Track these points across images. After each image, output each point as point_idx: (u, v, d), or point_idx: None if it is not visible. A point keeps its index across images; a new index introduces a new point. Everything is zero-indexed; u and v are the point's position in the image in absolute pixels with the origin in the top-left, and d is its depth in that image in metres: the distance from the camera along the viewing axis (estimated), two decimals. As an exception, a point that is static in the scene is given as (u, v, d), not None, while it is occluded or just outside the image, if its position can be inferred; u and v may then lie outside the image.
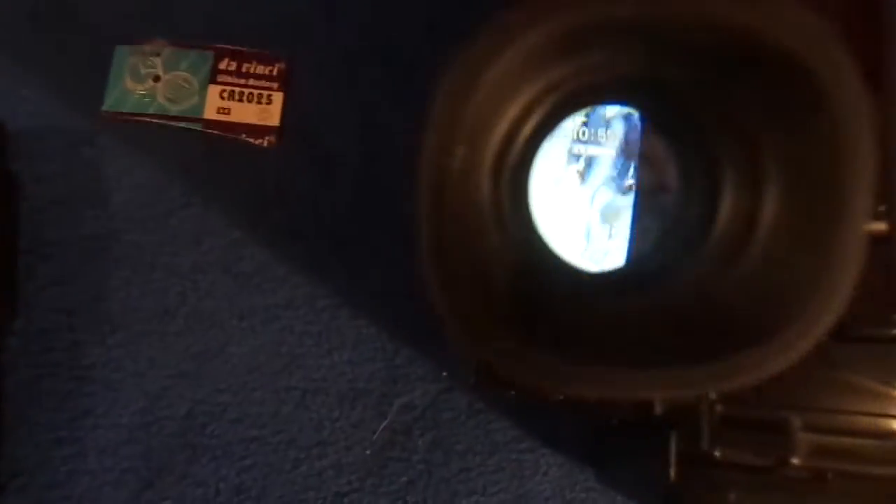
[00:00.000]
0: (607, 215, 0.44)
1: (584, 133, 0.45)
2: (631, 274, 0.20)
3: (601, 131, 0.45)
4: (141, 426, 0.47)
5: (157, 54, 0.52)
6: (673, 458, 0.29)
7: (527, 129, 0.19)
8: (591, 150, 0.45)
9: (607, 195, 0.45)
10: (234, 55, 0.52)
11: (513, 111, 0.18)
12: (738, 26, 0.16)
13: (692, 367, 0.17)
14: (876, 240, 0.31)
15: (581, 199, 0.46)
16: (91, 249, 0.49)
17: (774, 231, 0.18)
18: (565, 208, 0.45)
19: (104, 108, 0.51)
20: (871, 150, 0.16)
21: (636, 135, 0.43)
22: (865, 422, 0.30)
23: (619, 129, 0.45)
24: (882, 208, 0.31)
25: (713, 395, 0.30)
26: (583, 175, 0.46)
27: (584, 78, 0.19)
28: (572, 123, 0.44)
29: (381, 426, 0.47)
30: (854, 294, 0.30)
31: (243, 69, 0.53)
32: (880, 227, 0.30)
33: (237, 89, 0.52)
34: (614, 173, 0.45)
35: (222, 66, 0.52)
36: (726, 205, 0.19)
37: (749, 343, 0.17)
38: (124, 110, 0.51)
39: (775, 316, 0.17)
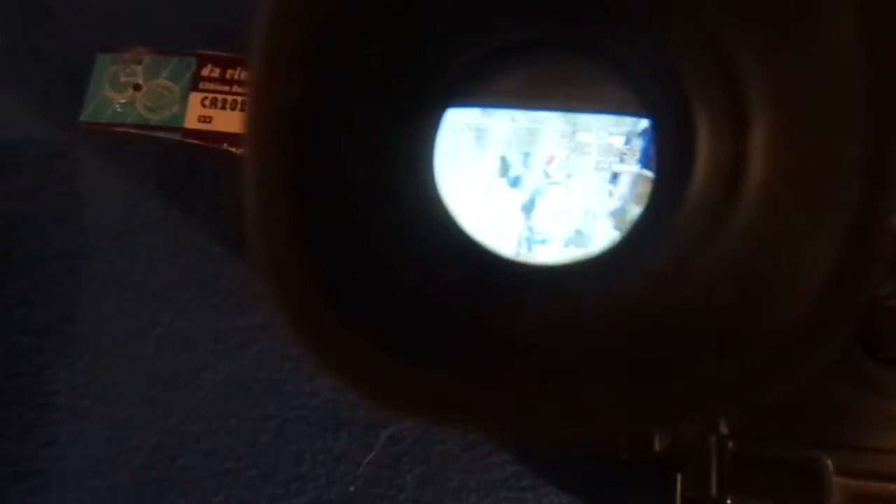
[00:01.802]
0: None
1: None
2: (583, 267, 0.15)
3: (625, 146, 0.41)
4: (107, 458, 0.43)
5: (138, 62, 0.50)
6: (677, 507, 0.24)
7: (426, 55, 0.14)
8: (615, 166, 0.42)
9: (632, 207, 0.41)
10: (217, 61, 0.50)
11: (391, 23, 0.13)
12: None
13: (651, 391, 0.12)
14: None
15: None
16: (62, 267, 0.46)
17: (763, 193, 0.13)
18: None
19: (82, 118, 0.49)
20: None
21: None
22: (916, 464, 0.24)
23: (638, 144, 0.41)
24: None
25: (724, 429, 0.24)
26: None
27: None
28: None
29: (367, 459, 0.43)
30: (892, 305, 0.24)
31: (227, 75, 0.50)
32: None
33: (220, 97, 0.49)
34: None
35: (205, 72, 0.50)
36: (701, 157, 0.14)
37: (731, 352, 0.12)
38: (103, 120, 0.49)
39: (766, 312, 0.12)
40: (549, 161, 0.42)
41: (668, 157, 0.15)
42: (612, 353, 0.13)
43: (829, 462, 0.24)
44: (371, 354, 0.12)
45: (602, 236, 0.40)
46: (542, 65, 0.25)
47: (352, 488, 0.43)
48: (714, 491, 0.24)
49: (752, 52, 0.13)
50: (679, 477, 0.26)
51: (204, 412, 0.44)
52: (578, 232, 0.42)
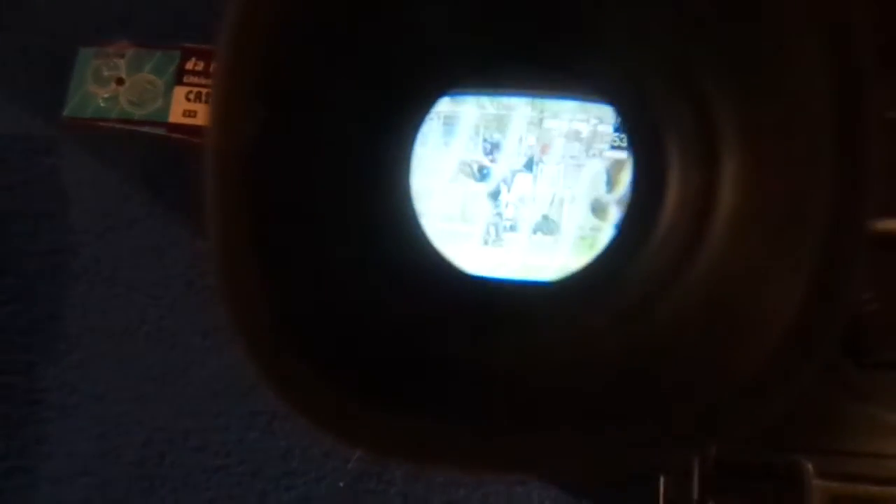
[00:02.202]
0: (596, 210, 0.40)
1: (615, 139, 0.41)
2: (555, 296, 0.15)
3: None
4: (97, 455, 0.43)
5: (121, 56, 0.49)
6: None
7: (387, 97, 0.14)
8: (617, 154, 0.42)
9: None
10: (201, 54, 0.49)
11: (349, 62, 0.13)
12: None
13: (620, 434, 0.12)
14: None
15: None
16: (49, 264, 0.46)
17: (732, 227, 0.13)
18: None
19: (65, 113, 0.48)
20: (866, 105, 0.11)
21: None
22: (893, 467, 0.25)
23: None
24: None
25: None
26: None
27: (460, 22, 0.14)
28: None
29: (356, 455, 0.43)
30: (873, 309, 0.24)
31: (212, 69, 0.49)
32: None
33: (205, 90, 0.49)
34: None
35: (189, 66, 0.49)
36: (672, 187, 0.14)
37: (699, 387, 0.12)
38: (86, 116, 0.48)
39: (733, 348, 0.12)
40: (544, 149, 0.42)
41: (640, 184, 0.15)
42: (582, 393, 0.13)
43: (810, 465, 0.25)
44: (342, 399, 0.12)
45: (570, 224, 0.40)
46: (512, 69, 0.25)
47: (341, 483, 0.43)
48: (696, 494, 0.24)
49: (722, 87, 0.13)
50: (662, 480, 0.26)
51: (193, 409, 0.44)
52: (546, 217, 0.42)
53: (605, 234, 0.40)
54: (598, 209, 0.40)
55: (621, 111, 0.16)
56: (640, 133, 0.15)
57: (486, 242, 0.42)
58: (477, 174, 0.42)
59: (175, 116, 0.48)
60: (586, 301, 0.14)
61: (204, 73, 0.49)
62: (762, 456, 0.25)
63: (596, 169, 0.40)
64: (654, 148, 0.14)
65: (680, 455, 0.14)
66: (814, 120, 0.11)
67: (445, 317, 0.14)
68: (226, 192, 0.12)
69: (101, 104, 0.48)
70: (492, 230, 0.42)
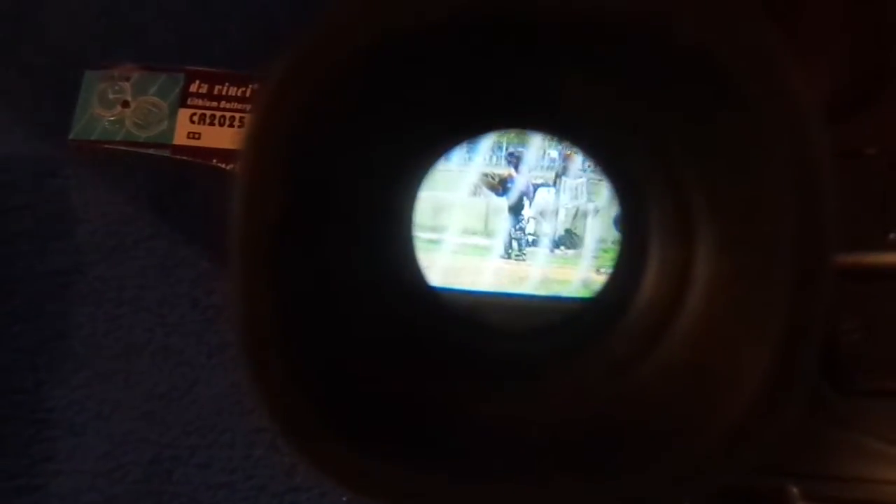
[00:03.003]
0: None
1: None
2: (550, 346, 0.16)
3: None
4: (104, 473, 0.44)
5: (127, 79, 0.50)
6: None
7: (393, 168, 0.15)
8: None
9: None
10: (205, 77, 0.50)
11: (363, 141, 0.14)
12: (645, 29, 0.12)
13: (606, 487, 0.13)
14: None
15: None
16: (55, 284, 0.47)
17: (706, 298, 0.14)
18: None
19: (71, 136, 0.49)
20: (825, 190, 0.12)
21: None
22: (878, 490, 0.25)
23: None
24: (893, 235, 0.26)
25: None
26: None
27: (457, 96, 0.15)
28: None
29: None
30: (856, 339, 0.25)
31: (215, 91, 0.50)
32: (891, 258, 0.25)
33: (209, 112, 0.50)
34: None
35: (193, 88, 0.50)
36: (653, 261, 0.15)
37: (678, 444, 0.13)
38: (92, 138, 0.49)
39: (709, 409, 0.13)
40: (566, 163, 0.42)
41: (625, 253, 0.16)
42: (576, 442, 0.14)
43: (796, 489, 0.25)
44: (354, 457, 0.13)
45: (592, 238, 0.41)
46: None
47: (344, 499, 0.44)
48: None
49: (695, 169, 0.14)
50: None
51: (199, 426, 0.45)
52: (568, 232, 0.43)
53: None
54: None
55: (610, 184, 0.17)
56: (625, 205, 0.16)
57: (508, 256, 0.42)
58: (499, 188, 0.43)
59: (179, 138, 0.49)
60: (580, 354, 0.15)
61: (207, 96, 0.50)
62: (748, 479, 0.26)
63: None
64: (638, 221, 0.15)
65: (669, 499, 0.15)
66: (777, 205, 0.12)
67: (448, 369, 0.15)
68: (251, 271, 0.13)
69: (107, 126, 0.49)
70: (514, 244, 0.42)
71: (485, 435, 0.14)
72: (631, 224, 0.16)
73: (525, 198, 0.44)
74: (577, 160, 0.43)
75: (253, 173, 0.13)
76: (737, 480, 0.23)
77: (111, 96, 0.50)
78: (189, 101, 0.50)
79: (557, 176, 0.43)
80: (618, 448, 0.14)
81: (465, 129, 0.16)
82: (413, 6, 0.12)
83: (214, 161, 0.49)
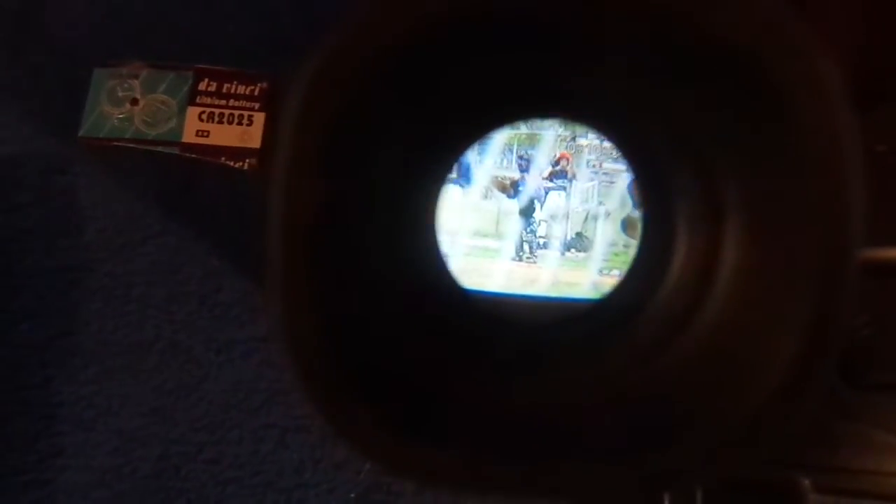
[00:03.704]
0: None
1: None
2: (575, 333, 0.16)
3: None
4: (112, 468, 0.44)
5: (136, 77, 0.50)
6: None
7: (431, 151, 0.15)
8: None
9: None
10: (213, 75, 0.50)
11: (404, 128, 0.14)
12: (680, 20, 0.12)
13: (628, 470, 0.13)
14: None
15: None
16: (64, 281, 0.47)
17: (732, 285, 0.15)
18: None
19: (81, 133, 0.49)
20: (856, 178, 0.12)
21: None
22: (888, 483, 0.26)
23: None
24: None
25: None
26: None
27: (492, 85, 0.15)
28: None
29: (367, 467, 0.44)
30: (867, 334, 0.25)
31: (223, 89, 0.50)
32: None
33: (217, 111, 0.50)
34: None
35: (202, 86, 0.50)
36: (680, 248, 0.15)
37: (699, 430, 0.13)
38: (101, 135, 0.49)
39: (733, 395, 0.13)
40: (577, 166, 0.42)
41: (650, 240, 0.16)
42: (597, 429, 0.14)
43: (807, 481, 0.26)
44: (392, 437, 0.13)
45: (602, 241, 0.41)
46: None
47: (352, 495, 0.44)
48: (699, 509, 0.25)
49: (726, 158, 0.14)
50: (666, 497, 0.27)
51: (207, 422, 0.45)
52: (579, 235, 0.43)
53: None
54: (629, 226, 0.41)
55: (633, 169, 0.17)
56: (650, 192, 0.16)
57: (519, 258, 0.42)
58: (511, 190, 0.43)
59: (188, 136, 0.49)
60: (604, 342, 0.16)
61: (216, 94, 0.50)
62: (760, 472, 0.26)
63: (627, 186, 0.41)
64: (663, 208, 0.15)
65: (691, 483, 0.15)
66: (804, 191, 0.13)
67: (476, 357, 0.15)
68: (291, 260, 0.13)
69: (116, 124, 0.49)
70: (525, 247, 0.43)
71: (513, 421, 0.15)
72: (657, 214, 0.16)
73: (536, 201, 0.44)
74: (588, 164, 0.43)
75: (291, 172, 0.13)
76: (749, 473, 0.23)
77: (120, 94, 0.50)
78: (198, 99, 0.50)
79: (567, 180, 0.44)
80: (641, 430, 0.14)
81: (510, 116, 0.16)
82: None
83: (223, 159, 0.49)
